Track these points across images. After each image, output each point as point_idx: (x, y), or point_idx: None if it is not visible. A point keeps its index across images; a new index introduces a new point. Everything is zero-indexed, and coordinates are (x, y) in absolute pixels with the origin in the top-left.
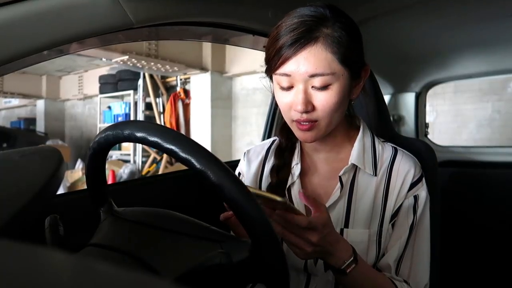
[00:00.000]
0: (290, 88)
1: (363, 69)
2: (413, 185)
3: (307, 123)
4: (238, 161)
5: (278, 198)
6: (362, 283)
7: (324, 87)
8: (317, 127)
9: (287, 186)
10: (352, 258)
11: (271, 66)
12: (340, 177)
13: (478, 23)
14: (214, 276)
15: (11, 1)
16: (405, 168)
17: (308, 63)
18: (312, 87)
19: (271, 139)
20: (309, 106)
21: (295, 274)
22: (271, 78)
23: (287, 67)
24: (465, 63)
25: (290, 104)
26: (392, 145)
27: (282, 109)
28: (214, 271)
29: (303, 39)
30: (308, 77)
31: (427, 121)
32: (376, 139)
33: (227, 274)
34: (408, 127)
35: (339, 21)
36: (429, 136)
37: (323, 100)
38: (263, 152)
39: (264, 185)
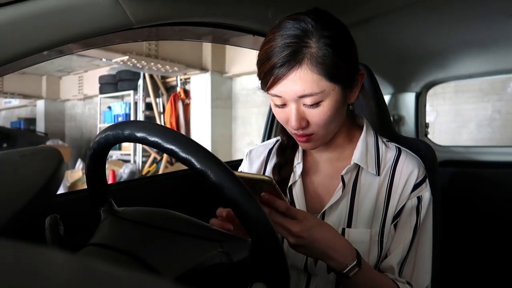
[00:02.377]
0: (283, 105)
1: (357, 74)
2: (416, 186)
3: (304, 137)
4: (239, 161)
5: (265, 178)
6: (366, 287)
7: (315, 104)
8: (314, 139)
9: (289, 185)
10: (355, 262)
11: (264, 85)
12: (342, 176)
13: (478, 23)
14: (214, 276)
15: (11, 1)
16: (409, 169)
17: (296, 85)
18: (304, 104)
19: (274, 139)
20: (302, 123)
21: (296, 273)
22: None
23: (277, 89)
24: (465, 63)
25: (286, 120)
26: (396, 145)
27: (280, 122)
28: (214, 270)
29: (287, 63)
30: (297, 97)
31: (427, 121)
32: (379, 138)
33: (227, 274)
34: (408, 127)
35: (324, 35)
36: (429, 136)
37: (316, 116)
38: (266, 152)
39: None
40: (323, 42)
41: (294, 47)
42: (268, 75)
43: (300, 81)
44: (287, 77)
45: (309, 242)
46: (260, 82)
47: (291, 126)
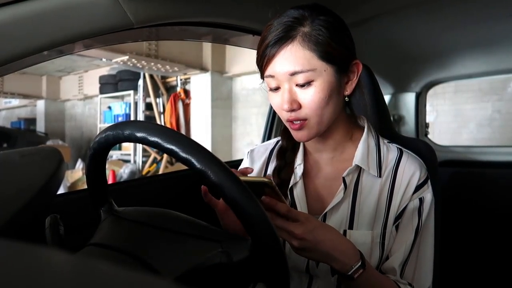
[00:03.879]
0: (277, 89)
1: (352, 63)
2: (418, 188)
3: (297, 122)
4: (238, 161)
5: (264, 179)
6: None
7: (307, 84)
8: (308, 125)
9: (290, 186)
10: (359, 263)
11: (260, 69)
12: (343, 178)
13: (478, 23)
14: (214, 276)
15: (11, 1)
16: (411, 170)
17: (287, 61)
18: (296, 85)
19: (275, 140)
20: (294, 105)
21: (297, 275)
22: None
23: (271, 69)
24: (465, 63)
25: (280, 105)
26: (398, 146)
27: (275, 110)
28: (214, 270)
29: (280, 40)
30: (289, 75)
31: (427, 121)
32: (380, 140)
33: (227, 274)
34: (408, 127)
35: (318, 18)
36: (429, 136)
37: (308, 97)
38: (267, 153)
39: None
40: (317, 23)
41: (288, 26)
42: (262, 57)
43: (292, 57)
44: (279, 54)
45: (312, 245)
46: (258, 68)
47: (284, 109)
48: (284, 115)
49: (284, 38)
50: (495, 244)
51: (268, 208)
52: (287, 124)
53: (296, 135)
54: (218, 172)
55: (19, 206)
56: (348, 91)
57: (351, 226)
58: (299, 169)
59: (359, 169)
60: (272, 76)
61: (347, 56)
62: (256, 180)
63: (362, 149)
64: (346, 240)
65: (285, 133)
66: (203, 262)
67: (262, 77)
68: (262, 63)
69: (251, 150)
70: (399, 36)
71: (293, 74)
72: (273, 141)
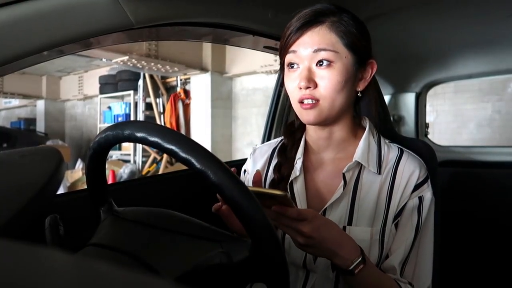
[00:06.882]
0: (296, 66)
1: (369, 61)
2: (417, 186)
3: (309, 102)
4: (238, 161)
5: (278, 192)
6: (369, 284)
7: (327, 64)
8: (319, 107)
9: (290, 180)
10: (360, 258)
11: (282, 50)
12: (343, 174)
13: (478, 23)
14: (214, 276)
15: (11, 1)
16: (410, 169)
17: (312, 40)
18: (316, 64)
19: (278, 139)
20: (311, 83)
21: (294, 270)
22: (282, 66)
23: (294, 46)
24: (465, 63)
25: (295, 83)
26: (399, 146)
27: (290, 91)
28: (214, 271)
29: (309, 22)
30: (312, 52)
31: (427, 121)
32: (382, 139)
33: (227, 274)
34: (408, 127)
35: (345, 15)
36: (429, 136)
37: (326, 78)
38: (270, 151)
39: (268, 183)
40: (345, 16)
41: (319, 12)
42: (288, 36)
43: (318, 37)
44: (306, 34)
45: (318, 242)
46: (280, 53)
47: (301, 86)
48: (297, 94)
49: (313, 22)
50: (495, 244)
51: (277, 215)
52: (297, 106)
53: (306, 115)
54: (218, 172)
55: (19, 206)
56: (361, 88)
57: (350, 222)
58: (298, 163)
59: (359, 166)
60: (294, 52)
61: (367, 51)
62: (270, 192)
63: (362, 146)
64: (347, 236)
65: (286, 131)
66: (203, 262)
67: (282, 58)
68: (286, 44)
69: (254, 150)
70: (399, 36)
71: (317, 51)
72: (275, 140)
